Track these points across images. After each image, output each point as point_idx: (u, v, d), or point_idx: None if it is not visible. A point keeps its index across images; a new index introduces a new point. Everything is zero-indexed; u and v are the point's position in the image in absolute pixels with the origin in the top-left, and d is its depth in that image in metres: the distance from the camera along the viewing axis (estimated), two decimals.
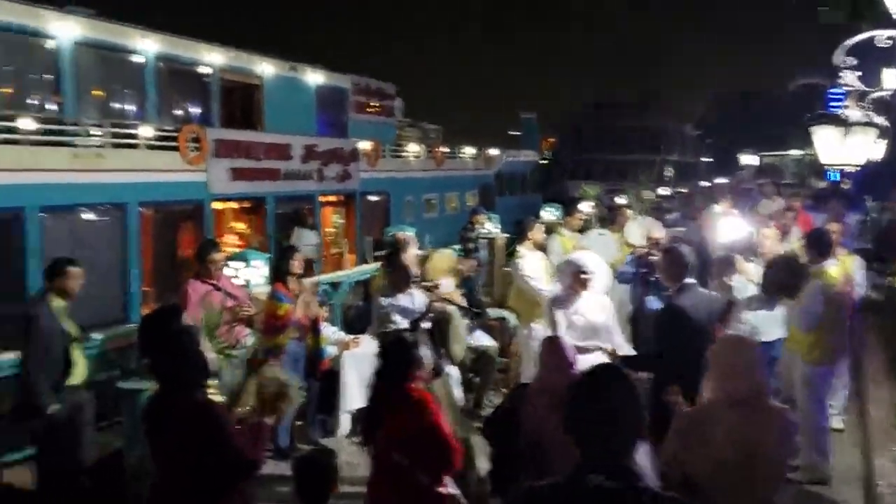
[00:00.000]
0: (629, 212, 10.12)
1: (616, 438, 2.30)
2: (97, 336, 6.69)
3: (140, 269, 12.41)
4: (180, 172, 13.28)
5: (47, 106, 12.51)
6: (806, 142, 12.75)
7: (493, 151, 29.04)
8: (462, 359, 6.88)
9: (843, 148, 8.12)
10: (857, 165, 8.77)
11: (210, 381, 3.87)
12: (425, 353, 4.12)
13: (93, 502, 5.13)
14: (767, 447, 3.36)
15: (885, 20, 6.82)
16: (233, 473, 3.37)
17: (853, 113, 8.09)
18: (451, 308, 6.82)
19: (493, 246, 11.09)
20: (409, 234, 9.88)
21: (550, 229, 9.31)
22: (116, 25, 13.46)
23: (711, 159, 59.91)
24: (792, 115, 33.27)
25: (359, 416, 6.42)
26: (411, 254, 7.64)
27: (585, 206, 10.91)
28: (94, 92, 13.46)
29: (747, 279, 6.67)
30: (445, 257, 8.45)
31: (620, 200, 14.02)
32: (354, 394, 6.63)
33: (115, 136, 12.36)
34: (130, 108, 14.22)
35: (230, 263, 7.61)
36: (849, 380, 7.33)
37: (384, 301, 6.84)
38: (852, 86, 8.44)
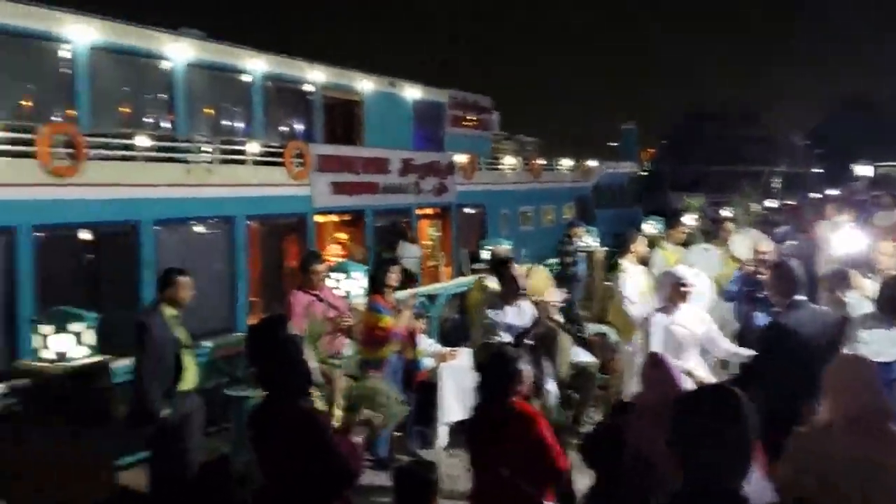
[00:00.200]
0: (730, 225, 9.76)
1: (722, 460, 2.20)
2: (206, 344, 6.94)
3: (247, 279, 12.80)
4: (285, 187, 13.68)
5: (162, 124, 13.17)
6: None
7: (592, 163, 28.61)
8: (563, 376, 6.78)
9: None
10: None
11: (313, 391, 3.95)
12: (526, 368, 4.08)
13: None
14: (887, 472, 3.17)
15: None
16: (336, 481, 3.42)
17: None
18: (557, 324, 6.70)
19: (591, 259, 10.93)
20: (505, 247, 9.86)
21: (653, 243, 9.08)
22: (226, 46, 14.13)
23: (822, 170, 57.24)
24: None
25: (457, 429, 6.42)
26: (517, 267, 7.59)
27: (689, 219, 10.62)
28: (204, 110, 14.14)
29: (862, 295, 6.31)
30: (544, 275, 8.35)
31: (725, 213, 13.58)
32: (452, 405, 6.64)
33: (224, 152, 12.81)
34: (239, 125, 14.85)
35: (331, 274, 7.78)
36: None
37: (490, 313, 6.78)
38: None
